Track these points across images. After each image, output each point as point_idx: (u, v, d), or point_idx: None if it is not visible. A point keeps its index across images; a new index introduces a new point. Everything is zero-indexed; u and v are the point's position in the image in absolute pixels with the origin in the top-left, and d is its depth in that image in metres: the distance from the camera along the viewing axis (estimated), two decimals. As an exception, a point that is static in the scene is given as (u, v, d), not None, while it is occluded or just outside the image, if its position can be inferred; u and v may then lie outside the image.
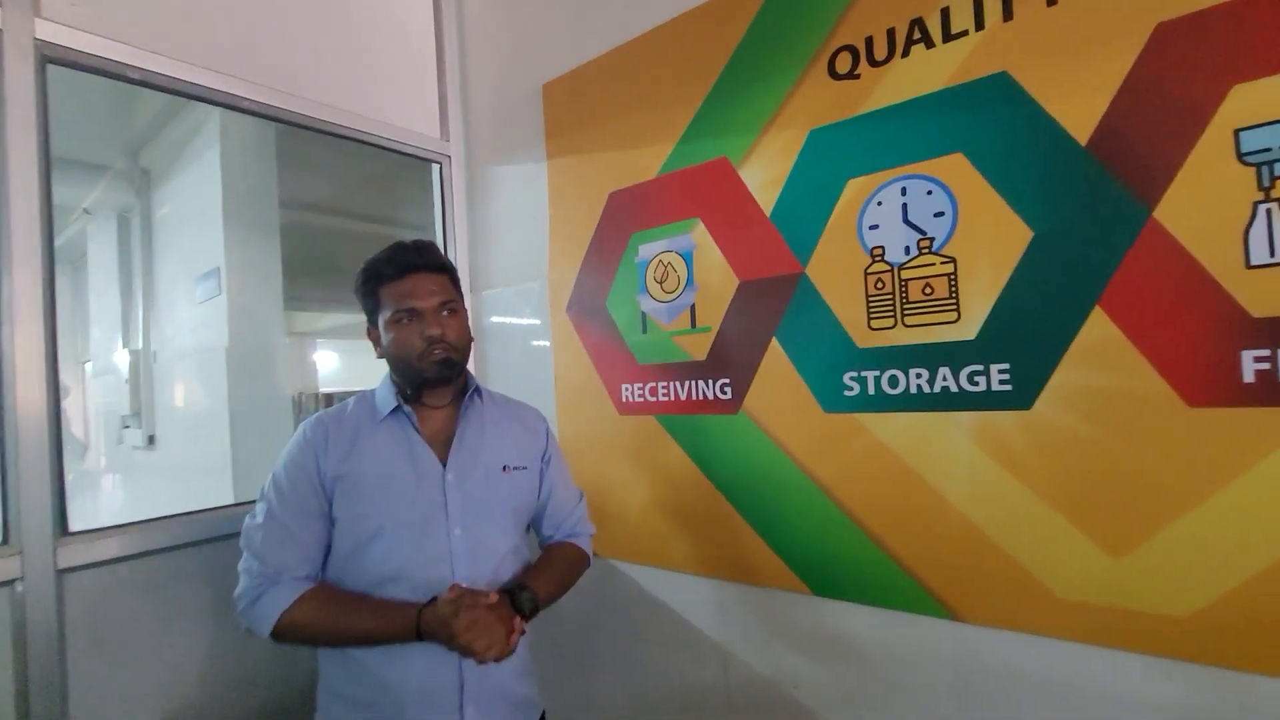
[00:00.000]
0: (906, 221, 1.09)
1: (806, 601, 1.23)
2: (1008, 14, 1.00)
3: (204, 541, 1.32)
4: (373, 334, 1.11)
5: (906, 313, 1.09)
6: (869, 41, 1.13)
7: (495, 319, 1.81)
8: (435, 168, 1.83)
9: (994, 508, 1.01)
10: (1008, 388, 1.00)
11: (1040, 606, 0.98)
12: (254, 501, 1.05)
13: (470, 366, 1.90)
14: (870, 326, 1.13)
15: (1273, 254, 0.80)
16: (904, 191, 1.09)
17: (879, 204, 1.12)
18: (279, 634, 0.96)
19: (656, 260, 1.43)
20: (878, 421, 1.12)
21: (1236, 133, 0.82)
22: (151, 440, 3.31)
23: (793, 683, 1.27)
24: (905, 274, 1.09)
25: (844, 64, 1.16)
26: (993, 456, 1.01)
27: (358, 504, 1.02)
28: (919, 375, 1.08)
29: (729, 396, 1.31)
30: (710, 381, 1.34)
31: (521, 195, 1.73)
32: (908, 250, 1.09)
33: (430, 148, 1.80)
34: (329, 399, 5.54)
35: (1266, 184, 0.81)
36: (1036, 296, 0.97)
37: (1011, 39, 0.99)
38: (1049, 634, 0.97)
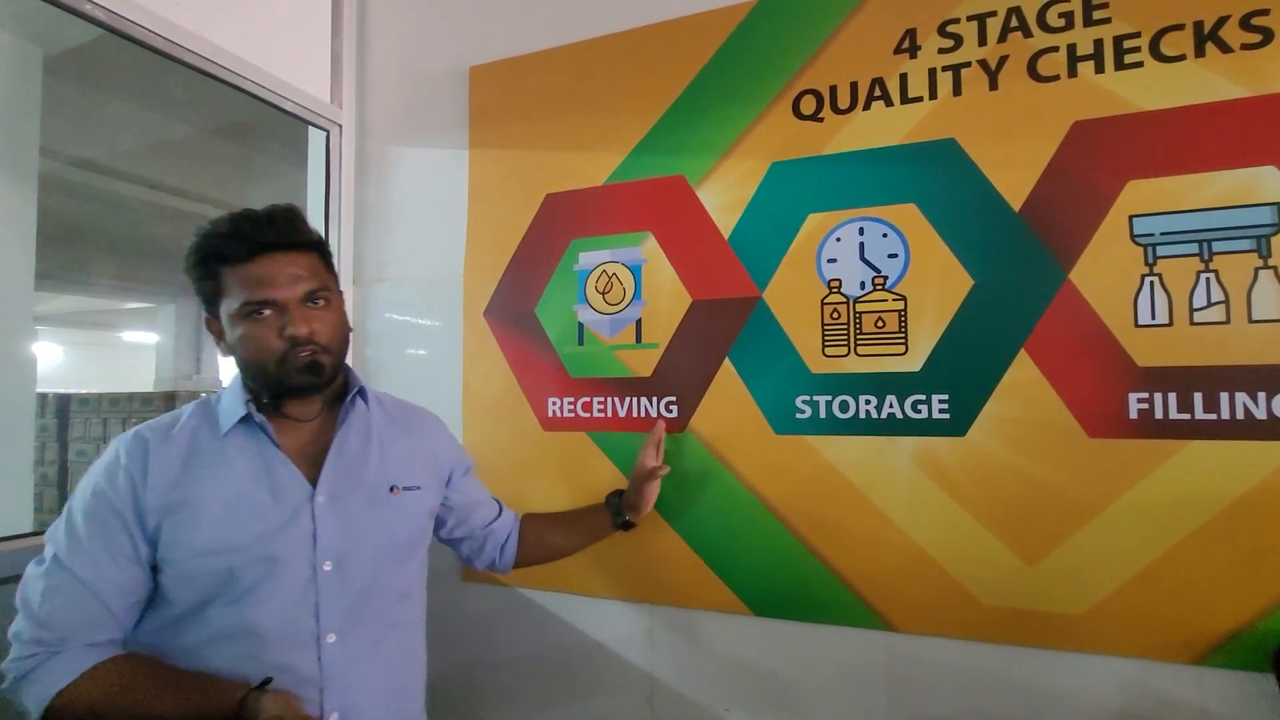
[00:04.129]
0: (863, 259, 1.18)
1: (745, 622, 1.24)
2: (957, 90, 1.14)
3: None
4: (213, 326, 0.89)
5: (859, 343, 1.17)
6: (833, 90, 1.22)
7: (389, 316, 1.58)
8: (322, 136, 1.57)
9: (930, 525, 1.12)
10: (946, 416, 1.12)
11: (967, 612, 1.09)
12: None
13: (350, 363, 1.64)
14: (825, 353, 1.19)
15: (1153, 316, 1.01)
16: (861, 231, 1.18)
17: (837, 240, 1.20)
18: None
19: (599, 270, 1.36)
20: (827, 444, 1.18)
21: (1130, 218, 1.03)
22: None
23: (724, 706, 1.26)
24: (860, 307, 1.17)
25: (808, 106, 1.23)
26: (930, 478, 1.12)
27: (196, 541, 0.82)
28: (868, 401, 1.16)
29: (675, 415, 1.29)
30: (655, 399, 1.31)
31: (431, 182, 1.55)
32: (863, 285, 1.17)
33: (319, 111, 1.54)
34: (63, 402, 4.38)
35: (1150, 261, 1.02)
36: (974, 336, 1.11)
37: (960, 112, 1.14)
38: (974, 637, 1.09)
